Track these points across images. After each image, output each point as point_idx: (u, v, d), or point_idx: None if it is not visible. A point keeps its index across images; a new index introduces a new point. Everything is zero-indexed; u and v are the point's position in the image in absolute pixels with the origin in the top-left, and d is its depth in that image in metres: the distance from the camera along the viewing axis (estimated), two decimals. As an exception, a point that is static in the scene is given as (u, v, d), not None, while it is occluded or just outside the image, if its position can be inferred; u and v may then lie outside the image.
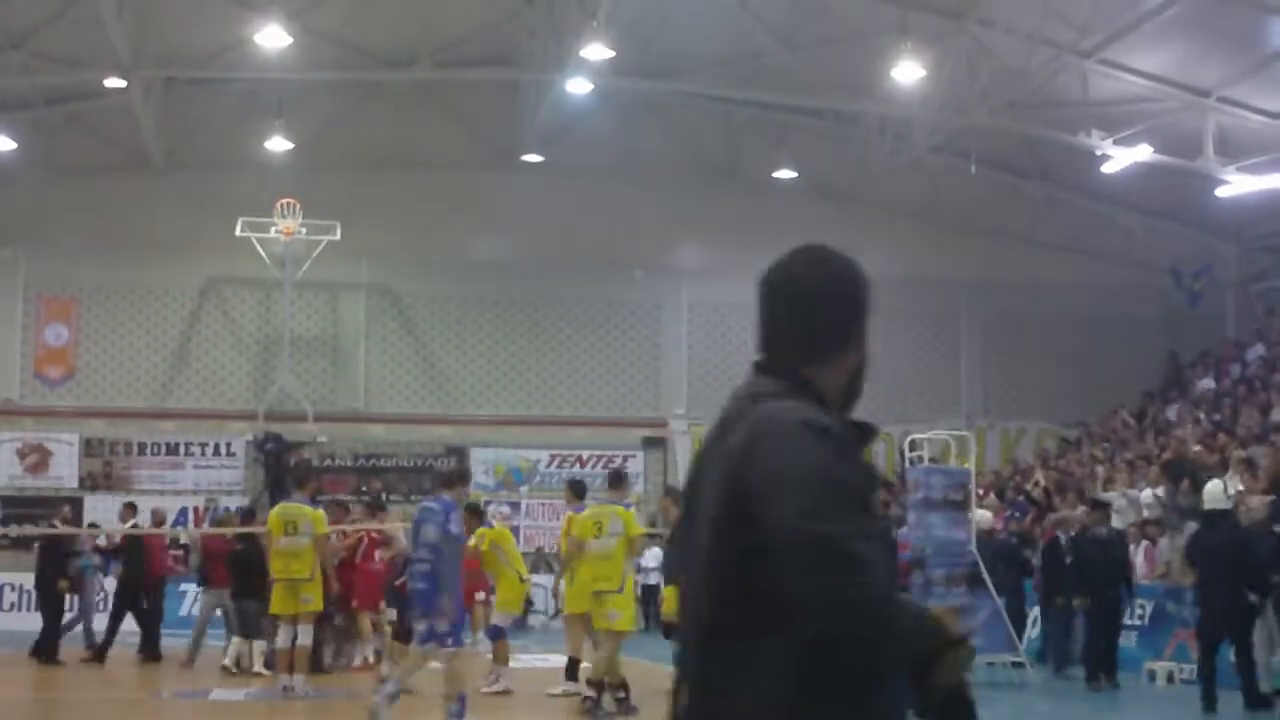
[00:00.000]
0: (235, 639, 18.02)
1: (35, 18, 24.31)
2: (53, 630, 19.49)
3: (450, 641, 12.28)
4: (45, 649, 19.25)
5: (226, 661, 17.69)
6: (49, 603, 19.61)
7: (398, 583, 17.41)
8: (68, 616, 20.51)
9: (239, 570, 18.27)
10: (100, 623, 20.19)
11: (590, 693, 13.65)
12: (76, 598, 20.72)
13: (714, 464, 2.83)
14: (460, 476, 13.78)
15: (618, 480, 15.95)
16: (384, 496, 29.69)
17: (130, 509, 21.52)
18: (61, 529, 21.68)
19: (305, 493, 16.65)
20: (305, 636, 15.68)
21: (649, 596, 24.51)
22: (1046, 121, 27.05)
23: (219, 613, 19.24)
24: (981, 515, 18.97)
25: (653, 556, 24.81)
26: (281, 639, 15.61)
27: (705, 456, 2.93)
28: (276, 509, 16.08)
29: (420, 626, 12.36)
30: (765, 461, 2.71)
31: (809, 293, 3.02)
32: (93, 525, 24.35)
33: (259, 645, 17.76)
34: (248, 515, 21.96)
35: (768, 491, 2.69)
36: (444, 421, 30.96)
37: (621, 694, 13.73)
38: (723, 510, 2.76)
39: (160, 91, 27.23)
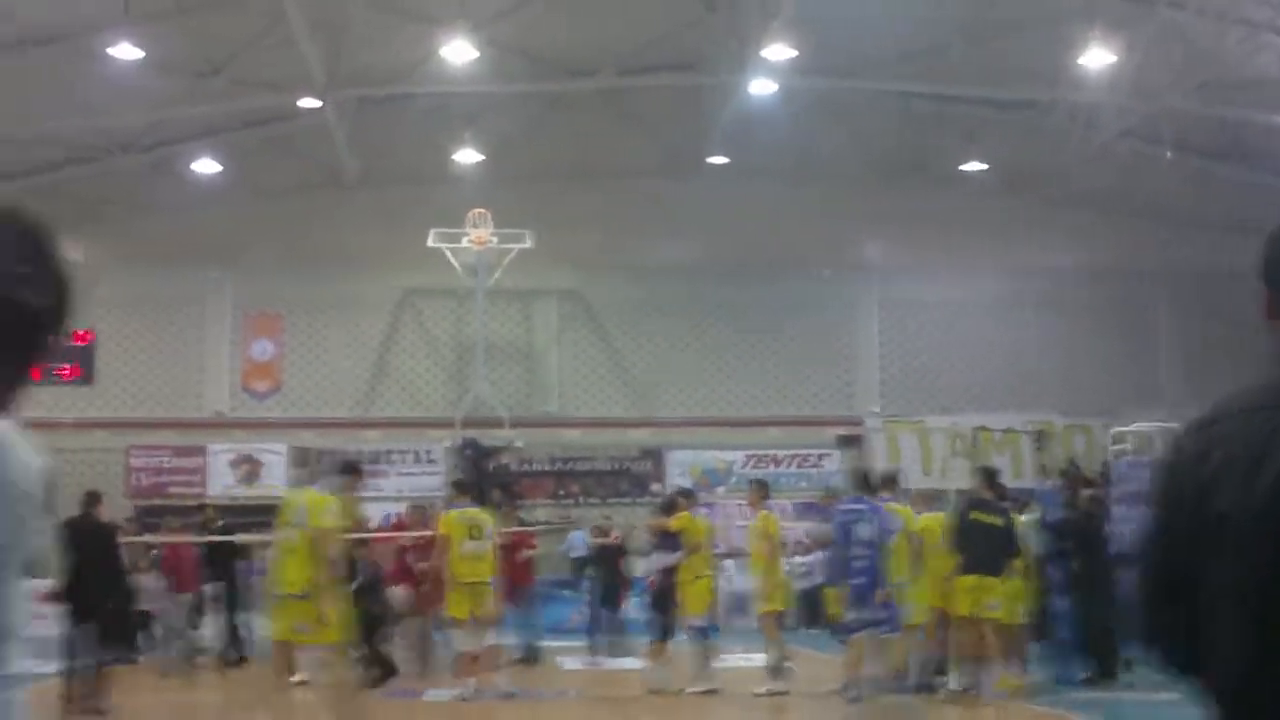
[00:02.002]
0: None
1: (233, 45, 25.12)
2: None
3: (886, 629, 13.91)
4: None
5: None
6: None
7: (648, 581, 17.67)
8: None
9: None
10: None
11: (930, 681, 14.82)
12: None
13: None
14: (886, 479, 15.50)
15: (894, 480, 16.71)
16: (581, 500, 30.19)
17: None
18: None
19: (469, 498, 16.83)
20: (492, 638, 16.09)
21: (810, 599, 24.43)
22: (1243, 102, 26.31)
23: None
24: None
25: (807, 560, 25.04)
26: (465, 642, 15.84)
27: None
28: (454, 514, 16.13)
29: (851, 616, 13.82)
30: None
31: None
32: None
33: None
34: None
35: None
36: (639, 424, 31.27)
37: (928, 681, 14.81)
38: None
39: (353, 110, 27.92)
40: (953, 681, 14.80)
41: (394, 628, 17.95)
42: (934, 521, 15.60)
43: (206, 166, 29.26)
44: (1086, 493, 17.78)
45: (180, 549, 20.65)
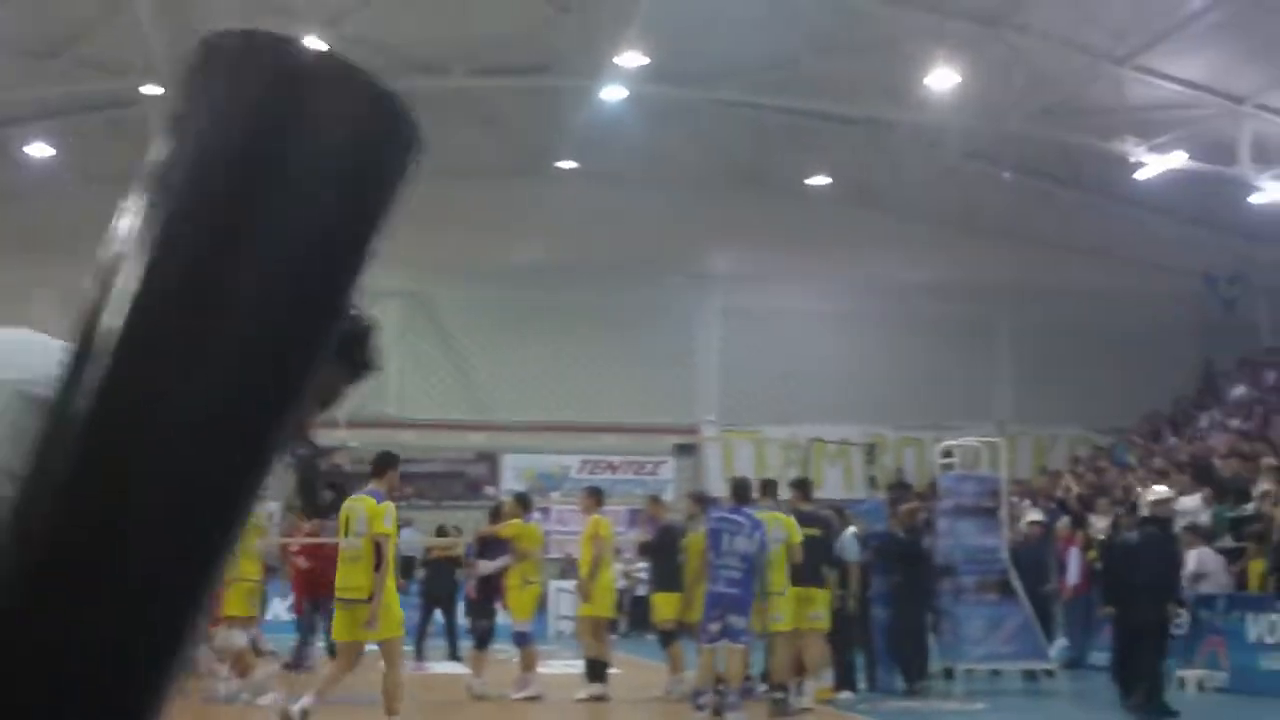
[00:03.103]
0: None
1: (73, 26, 24.47)
2: None
3: (743, 639, 13.66)
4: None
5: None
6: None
7: (467, 587, 17.41)
8: None
9: None
10: None
11: (779, 694, 14.27)
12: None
13: None
14: (768, 487, 15.07)
15: (773, 488, 16.11)
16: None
17: None
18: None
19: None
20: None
21: (638, 605, 24.47)
22: (1081, 128, 26.93)
23: None
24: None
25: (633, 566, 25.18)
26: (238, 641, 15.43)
27: None
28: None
29: (714, 627, 13.56)
30: None
31: None
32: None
33: None
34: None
35: None
36: (476, 428, 31.01)
37: (780, 694, 14.25)
38: None
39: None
40: (807, 695, 14.79)
41: None
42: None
43: (41, 150, 28.38)
44: (907, 506, 18.01)
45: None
